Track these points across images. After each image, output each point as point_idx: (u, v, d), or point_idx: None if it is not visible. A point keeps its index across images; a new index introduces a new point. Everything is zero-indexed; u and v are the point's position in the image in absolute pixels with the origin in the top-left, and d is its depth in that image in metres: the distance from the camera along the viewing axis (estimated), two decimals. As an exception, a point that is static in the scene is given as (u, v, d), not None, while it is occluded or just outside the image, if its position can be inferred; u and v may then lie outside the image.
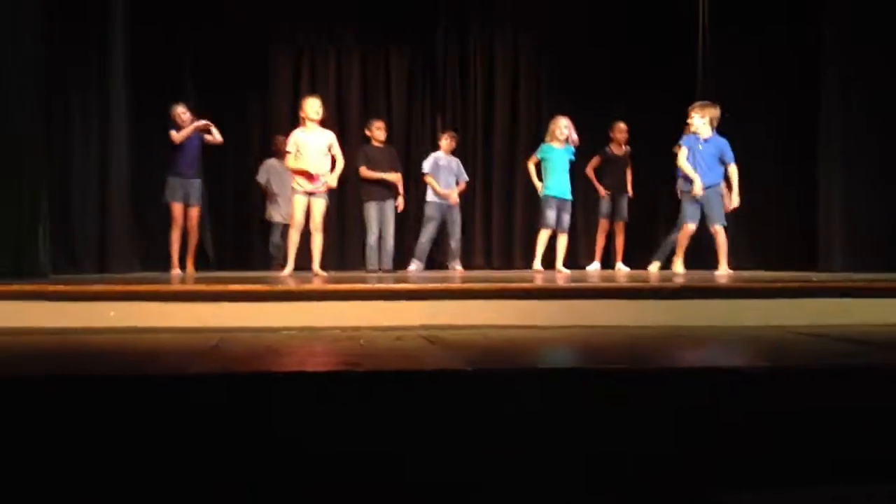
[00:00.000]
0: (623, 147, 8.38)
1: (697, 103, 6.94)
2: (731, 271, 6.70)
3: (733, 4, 8.45)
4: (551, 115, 7.87)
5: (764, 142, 8.19)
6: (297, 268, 6.71)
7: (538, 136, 8.26)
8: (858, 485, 2.28)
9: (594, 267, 8.45)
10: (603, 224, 8.42)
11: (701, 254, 7.48)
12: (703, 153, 6.76)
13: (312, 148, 6.65)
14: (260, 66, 9.41)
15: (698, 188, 6.68)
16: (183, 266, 7.46)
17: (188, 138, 7.32)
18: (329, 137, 6.78)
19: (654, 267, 7.48)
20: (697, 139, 6.82)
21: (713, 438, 2.39)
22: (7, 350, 3.15)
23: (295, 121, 9.15)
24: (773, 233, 8.23)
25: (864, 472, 2.35)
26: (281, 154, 8.26)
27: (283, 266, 7.97)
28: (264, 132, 9.22)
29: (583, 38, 9.59)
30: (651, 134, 8.69)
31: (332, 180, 6.75)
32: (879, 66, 7.22)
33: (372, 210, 7.97)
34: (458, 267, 8.34)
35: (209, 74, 8.84)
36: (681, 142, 6.95)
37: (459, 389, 2.45)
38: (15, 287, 4.14)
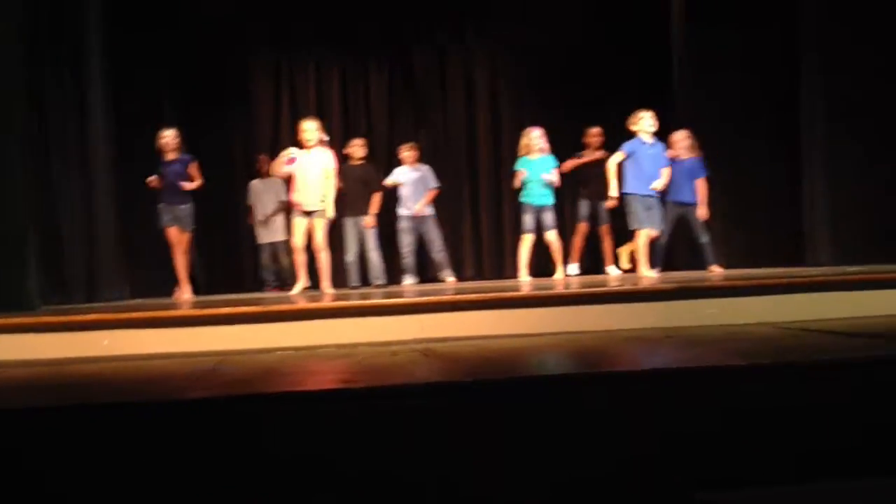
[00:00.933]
0: (596, 152, 8.35)
1: (640, 111, 7.01)
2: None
3: (708, 3, 8.52)
4: (533, 123, 7.88)
5: (748, 140, 8.26)
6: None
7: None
8: (841, 480, 2.29)
9: (574, 270, 8.41)
10: (581, 227, 8.40)
11: (692, 255, 7.58)
12: (649, 158, 6.80)
13: (311, 170, 6.69)
14: (240, 84, 9.42)
15: (614, 193, 6.80)
16: (177, 288, 7.41)
17: (167, 167, 7.24)
18: (326, 160, 6.77)
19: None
20: (643, 144, 6.87)
21: (698, 438, 2.41)
22: (1, 383, 3.13)
23: (276, 139, 9.24)
24: (762, 230, 8.30)
25: (849, 467, 2.36)
26: (263, 174, 8.29)
27: (276, 289, 8.04)
28: (246, 152, 9.23)
29: (561, 45, 9.63)
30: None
31: (329, 209, 6.77)
32: (859, 62, 7.32)
33: (348, 227, 7.99)
34: (451, 278, 8.34)
35: (189, 95, 8.84)
36: (623, 148, 6.97)
37: (456, 401, 2.47)
38: (6, 320, 4.13)
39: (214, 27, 9.03)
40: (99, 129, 6.84)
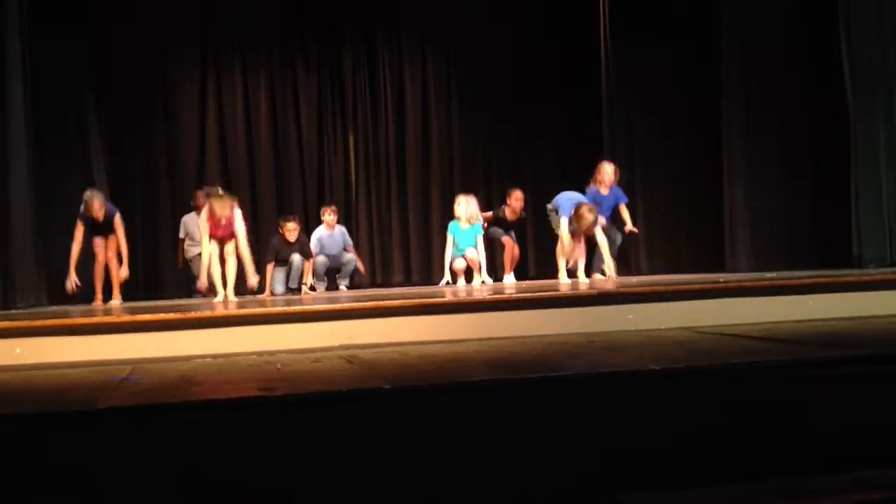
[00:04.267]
0: (518, 214, 8.38)
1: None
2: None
3: (633, 15, 8.66)
4: (463, 130, 7.86)
5: (671, 150, 8.46)
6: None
7: (451, 152, 8.33)
8: (758, 481, 2.34)
9: (510, 279, 8.43)
10: (507, 241, 8.41)
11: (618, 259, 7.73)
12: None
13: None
14: (163, 87, 9.22)
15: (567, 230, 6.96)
16: (108, 298, 7.21)
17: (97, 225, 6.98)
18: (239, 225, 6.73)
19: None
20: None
21: (619, 440, 2.44)
22: None
23: (202, 143, 9.11)
24: (683, 237, 8.51)
25: (768, 469, 2.42)
26: (199, 209, 8.12)
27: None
28: (170, 159, 9.05)
29: (491, 51, 9.67)
30: (564, 135, 8.88)
31: (252, 276, 6.80)
32: (780, 76, 7.56)
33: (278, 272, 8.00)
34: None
35: (113, 103, 8.64)
36: (586, 198, 7.14)
37: (377, 408, 2.45)
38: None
39: (135, 28, 8.83)
40: (17, 133, 6.64)
